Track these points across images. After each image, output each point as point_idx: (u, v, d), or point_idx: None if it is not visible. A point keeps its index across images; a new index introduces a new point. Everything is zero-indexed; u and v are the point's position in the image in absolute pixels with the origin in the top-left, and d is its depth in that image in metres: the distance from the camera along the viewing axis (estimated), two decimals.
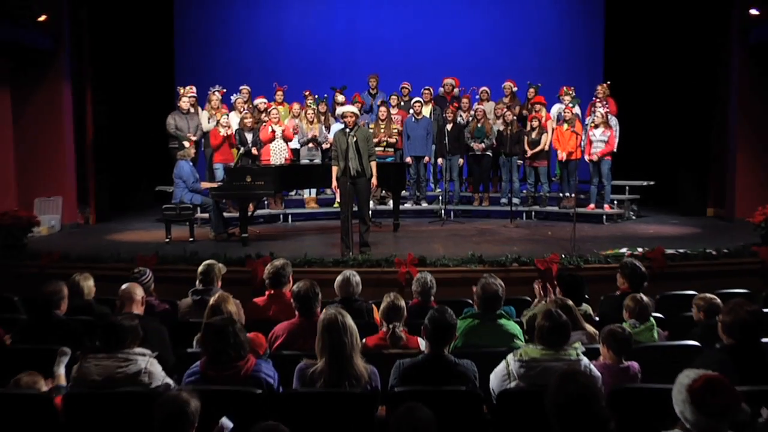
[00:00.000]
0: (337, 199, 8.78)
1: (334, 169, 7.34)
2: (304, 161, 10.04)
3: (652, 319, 4.15)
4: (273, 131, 9.56)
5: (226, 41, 12.53)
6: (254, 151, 9.49)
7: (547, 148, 9.97)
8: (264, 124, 9.67)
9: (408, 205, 10.63)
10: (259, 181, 7.81)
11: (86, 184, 10.13)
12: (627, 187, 10.39)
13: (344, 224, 7.13)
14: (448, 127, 10.13)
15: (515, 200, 10.18)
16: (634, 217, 10.14)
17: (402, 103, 10.72)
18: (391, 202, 9.79)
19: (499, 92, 11.00)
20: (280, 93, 10.63)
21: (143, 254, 6.81)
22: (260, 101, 10.39)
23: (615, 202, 10.03)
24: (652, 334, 4.08)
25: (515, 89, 10.89)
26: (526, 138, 10.02)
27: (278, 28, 12.77)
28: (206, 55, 12.35)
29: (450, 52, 12.34)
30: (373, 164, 7.38)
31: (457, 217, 10.30)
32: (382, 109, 10.14)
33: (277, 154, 9.71)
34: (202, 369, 3.23)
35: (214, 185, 8.49)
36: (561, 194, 10.19)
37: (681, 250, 6.81)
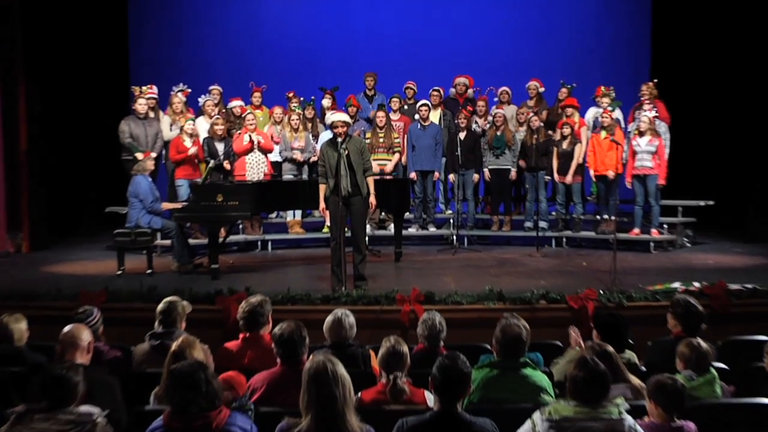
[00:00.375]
0: (327, 223, 8.46)
1: (323, 188, 7.43)
2: (287, 177, 10.09)
3: (713, 370, 4.15)
4: (250, 141, 9.67)
5: (193, 31, 12.68)
6: (227, 165, 9.55)
7: (581, 160, 10.04)
8: (238, 132, 9.79)
9: (412, 230, 10.72)
10: (233, 201, 7.86)
11: (17, 204, 10.13)
12: (680, 208, 10.46)
13: (335, 253, 7.18)
14: (461, 135, 10.17)
15: (542, 224, 10.18)
16: (688, 245, 10.22)
17: (405, 107, 10.83)
18: (392, 227, 9.91)
19: (523, 94, 11.04)
20: (257, 95, 10.69)
21: (89, 290, 6.82)
22: (236, 104, 10.51)
23: (665, 226, 10.08)
24: (714, 388, 4.09)
25: (542, 90, 10.95)
26: (555, 149, 10.09)
27: (256, 17, 12.98)
28: (168, 48, 12.47)
29: (463, 45, 12.45)
30: (370, 181, 7.48)
31: (472, 244, 10.32)
32: (380, 114, 10.19)
33: (254, 168, 9.81)
34: (165, 422, 3.26)
35: (178, 206, 8.56)
36: (598, 217, 10.26)
37: (748, 286, 6.80)
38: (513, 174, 10.51)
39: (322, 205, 7.44)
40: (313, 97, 10.69)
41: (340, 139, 7.22)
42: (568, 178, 10.02)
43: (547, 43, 12.42)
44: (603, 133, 9.72)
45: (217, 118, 9.75)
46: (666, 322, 4.95)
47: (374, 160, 9.19)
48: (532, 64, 11.72)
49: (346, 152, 7.20)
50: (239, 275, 8.19)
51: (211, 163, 9.01)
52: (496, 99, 10.93)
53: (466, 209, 10.62)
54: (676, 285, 6.94)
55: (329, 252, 7.48)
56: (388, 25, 12.90)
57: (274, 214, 10.77)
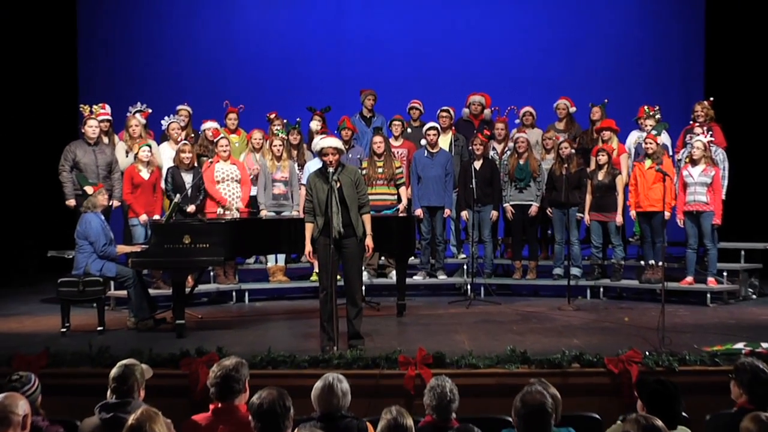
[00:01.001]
0: (315, 270, 8.80)
1: (309, 227, 7.43)
2: (269, 214, 10.08)
3: None
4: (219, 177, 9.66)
5: (155, 40, 12.77)
6: (190, 209, 9.61)
7: (621, 194, 10.02)
8: (209, 160, 9.82)
9: (419, 278, 10.67)
10: (202, 243, 7.91)
11: None
12: (742, 252, 10.37)
13: (325, 306, 7.17)
14: (477, 164, 10.22)
15: (575, 271, 10.17)
16: (754, 297, 10.20)
17: (409, 131, 10.86)
18: (393, 274, 9.93)
19: (550, 115, 11.06)
20: (233, 116, 10.74)
21: (26, 352, 6.76)
22: (208, 126, 10.53)
23: (725, 273, 10.02)
24: None
25: (573, 110, 10.97)
26: (589, 181, 10.09)
27: (229, 23, 13.12)
28: (124, 60, 12.56)
29: (479, 57, 12.53)
30: (367, 219, 7.48)
31: (490, 295, 10.20)
32: (377, 139, 10.21)
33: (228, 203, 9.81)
34: None
35: (136, 249, 8.58)
36: (642, 262, 10.19)
37: None
38: (536, 210, 10.49)
39: (308, 248, 7.39)
40: (298, 119, 10.70)
41: (331, 169, 7.25)
42: (618, 218, 9.98)
43: (580, 55, 12.52)
44: (647, 162, 9.71)
45: (185, 144, 9.75)
46: (728, 391, 4.93)
47: (372, 194, 9.18)
48: (562, 80, 11.80)
49: (338, 185, 7.24)
50: (210, 332, 8.21)
51: (176, 197, 8.91)
52: (518, 121, 10.91)
53: (483, 253, 10.57)
54: (740, 346, 6.90)
55: (318, 305, 7.47)
56: (388, 33, 13.02)
57: (252, 259, 10.73)
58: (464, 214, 10.45)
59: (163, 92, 11.30)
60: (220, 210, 9.47)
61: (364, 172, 9.64)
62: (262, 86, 12.26)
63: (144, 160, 9.52)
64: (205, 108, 11.01)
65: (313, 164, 9.37)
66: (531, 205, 10.50)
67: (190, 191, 9.44)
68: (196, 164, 9.80)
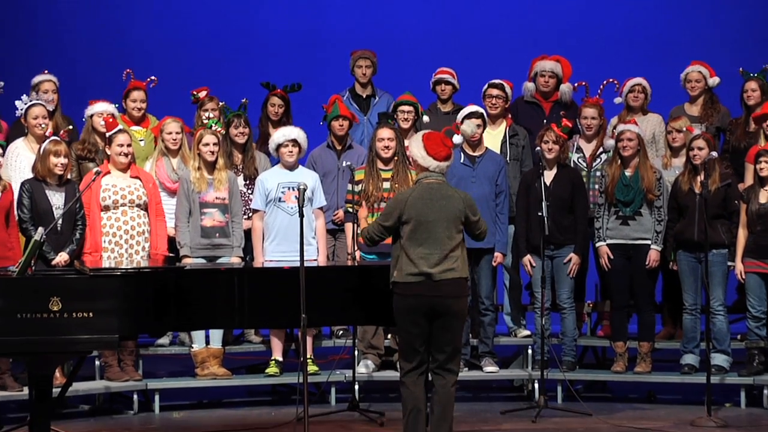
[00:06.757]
0: (274, 357, 8.31)
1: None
2: (196, 261, 8.65)
3: None
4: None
5: None
6: (59, 260, 8.07)
7: None
8: (96, 169, 7.99)
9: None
10: (82, 311, 6.56)
11: None
12: None
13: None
14: (548, 176, 8.55)
15: (719, 359, 8.38)
16: None
17: (426, 119, 9.35)
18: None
19: (675, 92, 9.36)
20: (137, 95, 9.18)
21: None
22: (99, 110, 8.78)
23: None
24: None
25: (714, 82, 9.27)
26: (744, 205, 8.44)
27: None
28: None
29: (549, 3, 11.43)
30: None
31: (572, 400, 8.46)
32: (383, 134, 8.54)
33: (126, 239, 8.52)
34: None
35: None
36: None
37: None
38: (656, 256, 8.60)
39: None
40: (244, 100, 9.04)
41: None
42: None
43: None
44: None
45: (55, 142, 8.06)
46: None
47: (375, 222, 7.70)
48: (690, 36, 10.70)
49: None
50: None
51: (37, 234, 7.17)
52: (619, 100, 9.19)
53: (560, 328, 8.93)
54: None
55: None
56: None
57: (165, 339, 8.98)
58: (527, 261, 8.73)
59: (22, 55, 10.40)
60: (107, 254, 8.36)
61: (358, 188, 8.42)
62: (186, 47, 11.07)
63: None
64: (89, 80, 10.20)
65: (271, 175, 8.38)
66: (645, 246, 8.64)
67: (60, 223, 8.00)
68: (72, 176, 8.30)
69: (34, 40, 11.23)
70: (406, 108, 8.98)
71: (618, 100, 9.33)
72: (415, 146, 6.52)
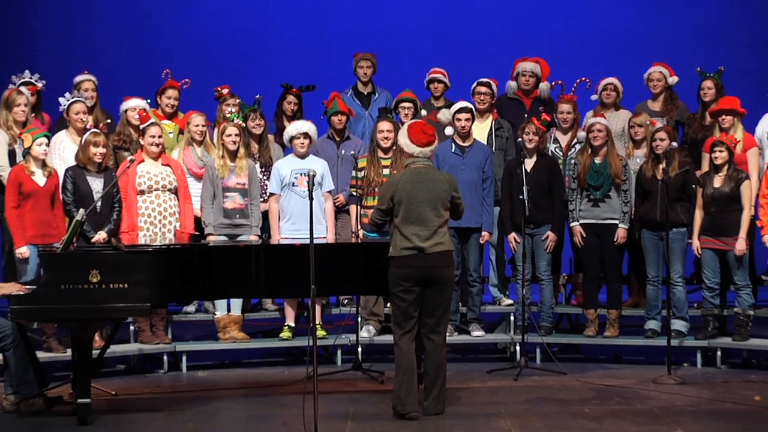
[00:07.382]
0: (287, 323, 8.70)
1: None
2: (218, 239, 9.04)
3: None
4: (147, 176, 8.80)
5: None
6: (98, 238, 8.48)
7: (748, 210, 8.91)
8: (130, 158, 8.62)
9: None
10: (118, 283, 7.04)
11: None
12: None
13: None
14: (529, 164, 9.10)
15: (678, 325, 8.92)
16: None
17: (424, 113, 9.75)
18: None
19: (640, 90, 9.92)
20: (172, 93, 9.65)
21: None
22: (132, 105, 9.31)
23: None
24: None
25: (673, 81, 9.80)
26: (700, 189, 8.97)
27: None
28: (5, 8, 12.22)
29: (529, 6, 11.94)
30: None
31: (549, 360, 9.06)
32: (383, 126, 9.05)
33: (157, 221, 8.94)
34: None
35: (21, 291, 7.37)
36: None
37: None
38: (623, 234, 9.14)
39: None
40: (258, 96, 9.52)
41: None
42: (744, 246, 8.71)
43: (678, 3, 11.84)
44: None
45: (95, 134, 8.55)
46: None
47: (373, 208, 8.15)
48: (656, 38, 11.33)
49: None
50: (128, 418, 7.28)
51: (78, 215, 7.65)
52: (595, 97, 9.78)
53: (539, 298, 9.45)
54: None
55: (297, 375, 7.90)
56: None
57: (191, 307, 9.45)
58: (511, 238, 9.33)
59: (65, 57, 10.60)
60: (143, 233, 8.78)
61: (361, 174, 8.94)
62: (206, 49, 11.53)
63: (40, 157, 8.34)
64: (128, 79, 10.43)
65: (285, 163, 8.89)
66: (613, 225, 9.21)
67: (99, 205, 8.47)
68: (110, 164, 8.75)
69: (74, 44, 11.53)
70: (406, 104, 9.59)
71: (594, 97, 9.91)
72: (401, 135, 7.12)
